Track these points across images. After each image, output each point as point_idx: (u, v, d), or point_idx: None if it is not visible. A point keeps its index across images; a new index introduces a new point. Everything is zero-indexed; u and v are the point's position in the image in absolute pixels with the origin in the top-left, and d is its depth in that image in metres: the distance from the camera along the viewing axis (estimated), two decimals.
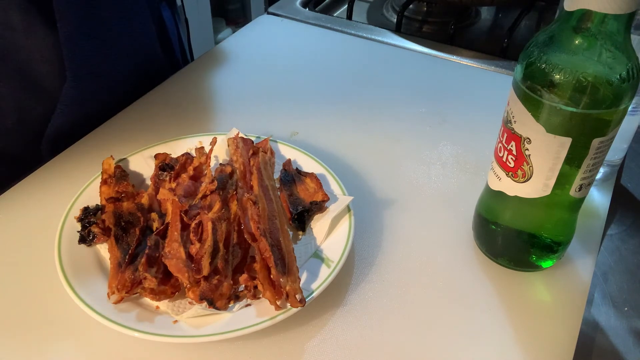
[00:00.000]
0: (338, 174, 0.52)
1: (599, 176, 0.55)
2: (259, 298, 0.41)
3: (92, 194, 0.49)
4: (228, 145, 0.54)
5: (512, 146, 0.39)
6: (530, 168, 0.39)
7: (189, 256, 0.42)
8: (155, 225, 0.46)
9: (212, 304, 0.39)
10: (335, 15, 0.92)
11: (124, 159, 0.53)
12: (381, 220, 0.51)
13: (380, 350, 0.40)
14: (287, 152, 0.55)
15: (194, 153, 0.54)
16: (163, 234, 0.44)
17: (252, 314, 0.40)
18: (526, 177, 0.40)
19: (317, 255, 0.45)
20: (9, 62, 0.54)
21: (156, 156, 0.53)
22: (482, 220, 0.47)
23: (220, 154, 0.55)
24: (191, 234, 0.43)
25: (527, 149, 0.38)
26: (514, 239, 0.45)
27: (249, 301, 0.41)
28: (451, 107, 0.66)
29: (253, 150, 0.52)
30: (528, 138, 0.38)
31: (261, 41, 0.80)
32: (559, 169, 0.38)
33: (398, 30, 0.83)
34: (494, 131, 0.44)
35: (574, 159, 0.37)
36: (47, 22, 0.53)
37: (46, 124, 0.58)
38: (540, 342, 0.41)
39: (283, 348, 0.40)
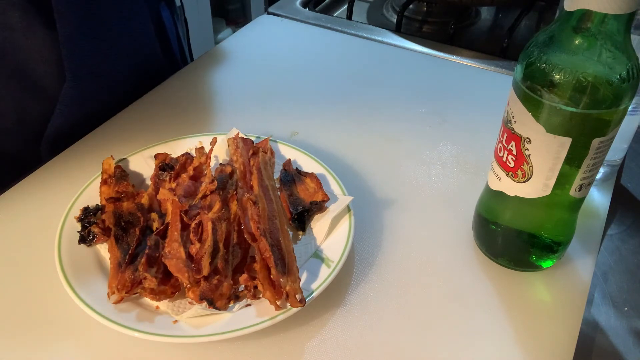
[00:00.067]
0: (338, 174, 0.52)
1: (599, 176, 0.55)
2: (259, 298, 0.41)
3: (92, 194, 0.49)
4: (228, 145, 0.54)
5: (512, 146, 0.39)
6: (530, 168, 0.39)
7: (189, 256, 0.42)
8: (155, 225, 0.46)
9: (212, 304, 0.39)
10: (335, 15, 0.92)
11: (124, 159, 0.53)
12: (381, 220, 0.51)
13: (380, 350, 0.40)
14: (287, 152, 0.55)
15: (194, 153, 0.54)
16: (163, 234, 0.44)
17: (252, 314, 0.40)
18: (526, 177, 0.40)
19: (317, 255, 0.45)
20: (8, 63, 0.54)
21: (156, 156, 0.53)
22: (482, 220, 0.47)
23: (220, 154, 0.55)
24: (191, 234, 0.43)
25: (527, 149, 0.38)
26: (514, 239, 0.45)
27: (249, 301, 0.41)
28: (451, 107, 0.66)
29: (253, 150, 0.52)
30: (528, 138, 0.38)
31: (261, 41, 0.80)
32: (559, 169, 0.38)
33: (398, 30, 0.83)
34: (494, 131, 0.44)
35: (574, 159, 0.37)
36: (47, 22, 0.53)
37: (46, 124, 0.58)
38: (540, 342, 0.41)
39: (283, 348, 0.40)
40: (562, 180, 0.39)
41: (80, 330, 0.41)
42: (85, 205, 0.48)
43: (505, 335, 0.42)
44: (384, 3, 0.96)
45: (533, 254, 0.45)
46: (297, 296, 0.39)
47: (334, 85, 0.71)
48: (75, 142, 0.59)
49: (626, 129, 0.52)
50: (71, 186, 0.52)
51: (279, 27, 0.84)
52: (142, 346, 0.40)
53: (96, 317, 0.39)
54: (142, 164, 0.54)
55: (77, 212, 0.47)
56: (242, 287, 0.42)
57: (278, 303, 0.39)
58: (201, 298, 0.40)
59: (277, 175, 0.52)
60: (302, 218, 0.47)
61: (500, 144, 0.41)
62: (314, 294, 0.41)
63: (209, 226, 0.44)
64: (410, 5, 0.86)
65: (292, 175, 0.52)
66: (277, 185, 0.51)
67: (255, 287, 0.41)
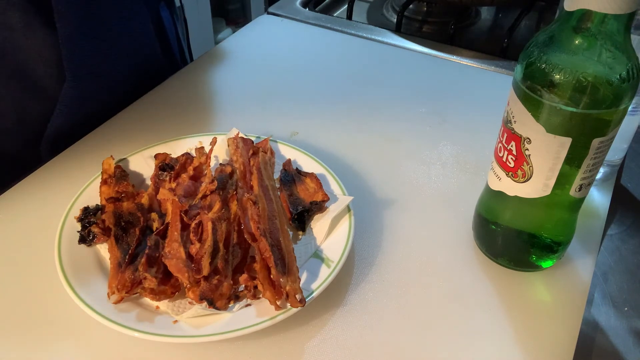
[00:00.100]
0: (338, 174, 0.52)
1: (599, 176, 0.55)
2: (259, 298, 0.41)
3: (92, 194, 0.49)
4: (228, 145, 0.54)
5: (512, 146, 0.39)
6: (530, 168, 0.39)
7: (189, 256, 0.42)
8: (155, 225, 0.46)
9: (212, 304, 0.39)
10: (335, 15, 0.92)
11: (124, 159, 0.53)
12: (381, 220, 0.51)
13: (380, 350, 0.40)
14: (287, 152, 0.55)
15: (194, 153, 0.54)
16: (163, 234, 0.44)
17: (252, 314, 0.40)
18: (526, 177, 0.40)
19: (317, 255, 0.45)
20: (8, 63, 0.54)
21: (156, 156, 0.53)
22: (482, 220, 0.47)
23: (220, 154, 0.55)
24: (191, 234, 0.43)
25: (527, 149, 0.38)
26: (514, 239, 0.45)
27: (249, 301, 0.41)
28: (451, 107, 0.66)
29: (253, 150, 0.52)
30: (528, 138, 0.38)
31: (261, 41, 0.80)
32: (559, 169, 0.38)
33: (398, 30, 0.83)
34: (494, 131, 0.44)
35: (574, 159, 0.37)
36: (46, 22, 0.53)
37: (46, 124, 0.58)
38: (540, 342, 0.41)
39: (283, 348, 0.40)
40: (562, 180, 0.39)
41: (80, 330, 0.41)
42: (85, 205, 0.48)
43: (505, 335, 0.42)
44: (384, 3, 0.96)
45: (533, 254, 0.45)
46: (297, 296, 0.39)
47: (334, 85, 0.71)
48: (75, 142, 0.59)
49: (626, 129, 0.52)
50: (71, 186, 0.52)
51: (279, 27, 0.84)
52: (142, 346, 0.40)
53: (96, 317, 0.39)
54: (142, 164, 0.54)
55: (77, 212, 0.47)
56: (242, 287, 0.42)
57: (278, 303, 0.39)
58: (201, 298, 0.40)
59: (277, 175, 0.52)
60: (302, 218, 0.47)
61: (500, 144, 0.41)
62: (314, 294, 0.41)
63: (209, 226, 0.44)
64: (410, 5, 0.86)
65: (292, 175, 0.52)
66: (277, 185, 0.51)
67: (255, 287, 0.41)
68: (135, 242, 0.44)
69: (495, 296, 0.44)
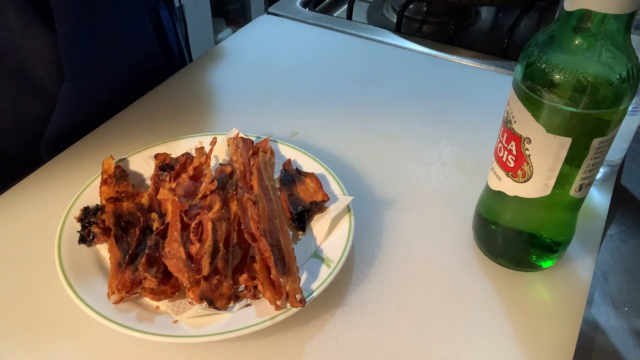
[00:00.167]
0: (338, 174, 0.52)
1: (599, 176, 0.55)
2: (259, 298, 0.41)
3: (92, 194, 0.49)
4: (228, 145, 0.54)
5: (512, 146, 0.39)
6: (530, 168, 0.39)
7: (189, 256, 0.42)
8: (155, 225, 0.46)
9: (212, 304, 0.39)
10: (335, 15, 0.92)
11: (124, 159, 0.53)
12: (381, 220, 0.51)
13: (380, 350, 0.40)
14: (287, 152, 0.55)
15: (194, 153, 0.54)
16: (163, 234, 0.44)
17: (252, 314, 0.40)
18: (526, 177, 0.40)
19: (317, 255, 0.45)
20: (7, 63, 0.54)
21: (156, 156, 0.53)
22: (482, 220, 0.47)
23: (220, 154, 0.55)
24: (191, 234, 0.43)
25: (527, 149, 0.38)
26: (514, 239, 0.45)
27: (249, 301, 0.41)
28: (451, 107, 0.66)
29: (253, 150, 0.52)
30: (528, 138, 0.38)
31: (261, 41, 0.80)
32: (559, 169, 0.38)
33: (398, 30, 0.83)
34: (494, 131, 0.44)
35: (574, 159, 0.37)
36: (46, 22, 0.53)
37: (45, 124, 0.58)
38: (540, 342, 0.41)
39: (283, 348, 0.40)
40: (562, 180, 0.39)
41: (80, 330, 0.41)
42: (85, 205, 0.48)
43: (505, 335, 0.42)
44: (384, 3, 0.96)
45: (533, 254, 0.45)
46: (297, 296, 0.39)
47: (334, 85, 0.71)
48: (75, 142, 0.59)
49: (626, 129, 0.52)
50: (71, 186, 0.52)
51: (279, 27, 0.84)
52: (142, 346, 0.40)
53: (96, 317, 0.39)
54: (142, 164, 0.54)
55: (77, 212, 0.47)
56: (242, 287, 0.42)
57: (278, 303, 0.39)
58: (201, 298, 0.40)
59: (277, 175, 0.52)
60: (302, 218, 0.47)
61: (500, 144, 0.41)
62: (314, 294, 0.41)
63: (209, 226, 0.44)
64: (410, 5, 0.86)
65: (292, 175, 0.52)
66: (277, 185, 0.51)
67: (255, 287, 0.41)
68: (135, 242, 0.44)
69: (495, 296, 0.44)
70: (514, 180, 0.41)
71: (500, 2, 0.86)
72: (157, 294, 0.41)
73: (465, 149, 0.60)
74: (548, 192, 0.40)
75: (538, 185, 0.40)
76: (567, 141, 0.36)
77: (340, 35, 0.82)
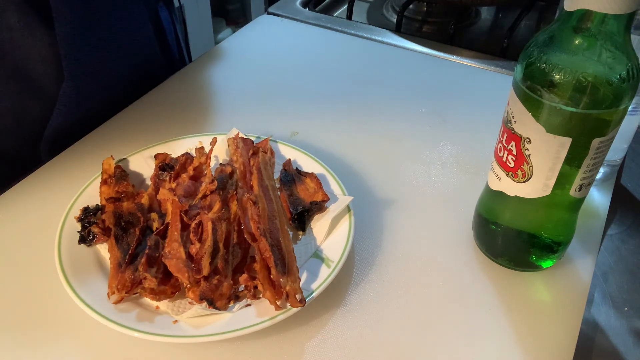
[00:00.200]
0: (338, 174, 0.52)
1: (599, 176, 0.55)
2: (259, 298, 0.41)
3: (92, 194, 0.49)
4: (228, 145, 0.54)
5: (512, 146, 0.39)
6: (530, 168, 0.39)
7: (189, 256, 0.42)
8: (155, 225, 0.46)
9: (212, 304, 0.39)
10: (335, 15, 0.92)
11: (124, 159, 0.53)
12: (381, 220, 0.51)
13: (380, 350, 0.40)
14: (287, 152, 0.55)
15: (194, 153, 0.54)
16: (163, 234, 0.44)
17: (252, 314, 0.40)
18: (526, 177, 0.40)
19: (317, 255, 0.45)
20: (6, 63, 0.54)
21: (156, 156, 0.53)
22: (482, 220, 0.47)
23: (220, 154, 0.55)
24: (191, 234, 0.43)
25: (527, 149, 0.38)
26: (514, 239, 0.45)
27: (249, 301, 0.41)
28: (451, 107, 0.66)
29: (253, 150, 0.52)
30: (528, 138, 0.38)
31: (261, 41, 0.80)
32: (559, 169, 0.38)
33: (398, 30, 0.83)
34: (494, 131, 0.44)
35: (574, 159, 0.37)
36: (45, 22, 0.53)
37: (45, 124, 0.58)
38: (540, 342, 0.41)
39: (283, 348, 0.40)
40: (562, 180, 0.39)
41: (80, 330, 0.41)
42: (85, 205, 0.48)
43: (505, 335, 0.42)
44: (384, 3, 0.96)
45: (533, 254, 0.45)
46: (297, 296, 0.39)
47: (334, 85, 0.71)
48: (75, 142, 0.59)
49: (626, 129, 0.52)
50: (71, 186, 0.52)
51: (279, 27, 0.84)
52: (142, 346, 0.40)
53: (96, 317, 0.39)
54: (142, 164, 0.54)
55: (77, 212, 0.47)
56: (242, 287, 0.42)
57: (278, 303, 0.39)
58: (201, 298, 0.40)
59: (277, 175, 0.52)
60: (302, 218, 0.47)
61: (500, 144, 0.41)
62: (314, 294, 0.41)
63: (209, 226, 0.44)
64: (410, 5, 0.86)
65: (292, 175, 0.52)
66: (277, 185, 0.51)
67: (255, 287, 0.41)
68: (135, 242, 0.44)
69: (495, 296, 0.44)
70: (514, 180, 0.41)
71: (500, 2, 0.86)
72: (157, 294, 0.41)
73: (465, 149, 0.60)
74: (548, 192, 0.40)
75: (538, 185, 0.40)
76: (567, 141, 0.36)
77: (340, 35, 0.82)
